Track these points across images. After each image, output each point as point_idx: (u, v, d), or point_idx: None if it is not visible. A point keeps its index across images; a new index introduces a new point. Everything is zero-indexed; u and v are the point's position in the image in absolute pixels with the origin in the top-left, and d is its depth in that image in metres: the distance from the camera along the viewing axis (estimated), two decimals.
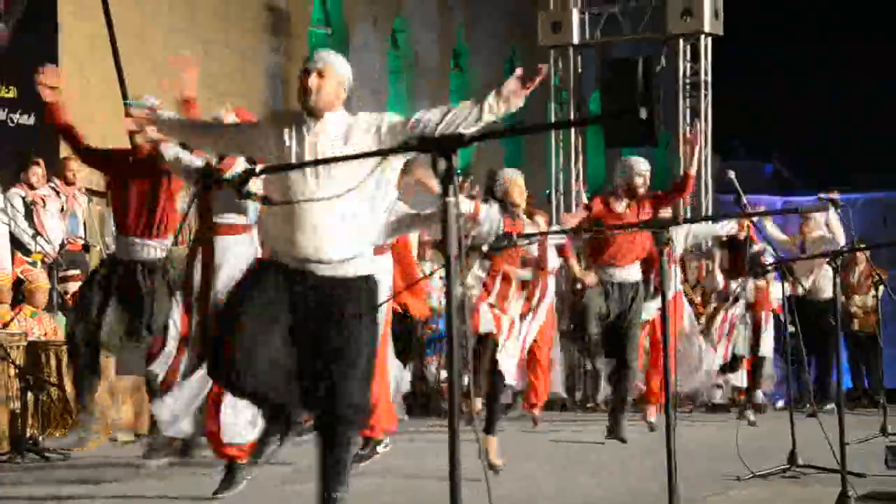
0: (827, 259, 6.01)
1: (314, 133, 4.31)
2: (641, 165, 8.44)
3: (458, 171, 2.86)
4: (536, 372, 9.68)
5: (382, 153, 3.32)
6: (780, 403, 12.45)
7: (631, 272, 8.48)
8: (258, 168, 3.62)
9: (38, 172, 10.48)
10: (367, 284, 4.31)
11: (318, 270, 4.27)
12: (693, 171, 8.44)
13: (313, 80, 4.32)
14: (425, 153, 2.89)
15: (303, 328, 4.24)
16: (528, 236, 6.22)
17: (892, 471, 6.03)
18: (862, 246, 10.15)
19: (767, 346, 11.00)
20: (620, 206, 8.39)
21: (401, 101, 18.44)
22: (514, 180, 6.93)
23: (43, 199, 10.47)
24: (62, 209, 10.61)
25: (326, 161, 3.91)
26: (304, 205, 4.17)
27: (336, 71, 4.36)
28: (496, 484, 6.23)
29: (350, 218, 4.26)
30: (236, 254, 5.92)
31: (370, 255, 4.36)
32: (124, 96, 6.32)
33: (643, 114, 2.81)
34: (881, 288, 11.42)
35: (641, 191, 8.38)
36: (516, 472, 6.67)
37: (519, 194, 6.86)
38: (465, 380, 6.36)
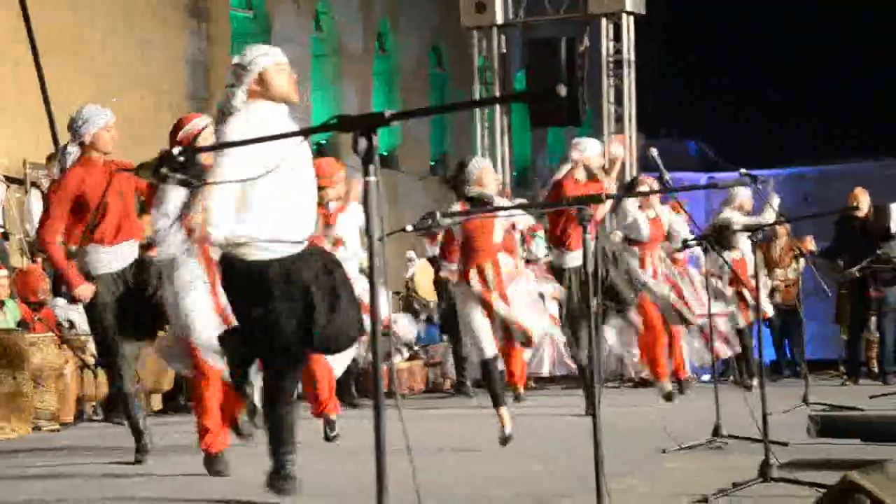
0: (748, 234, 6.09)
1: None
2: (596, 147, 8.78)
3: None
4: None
5: (304, 133, 3.32)
6: (706, 377, 12.63)
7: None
8: (175, 150, 3.58)
9: None
10: None
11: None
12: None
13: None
14: (346, 132, 2.87)
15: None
16: (452, 214, 6.20)
17: (814, 439, 6.14)
18: (783, 219, 10.29)
19: None
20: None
21: (325, 85, 18.34)
22: (485, 168, 7.03)
23: None
24: None
25: (260, 140, 3.93)
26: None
27: None
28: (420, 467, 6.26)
29: None
30: None
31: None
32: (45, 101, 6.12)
33: (562, 91, 2.81)
34: (802, 261, 11.59)
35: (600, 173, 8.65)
36: (440, 455, 6.68)
37: (493, 181, 7.02)
38: (397, 359, 6.39)
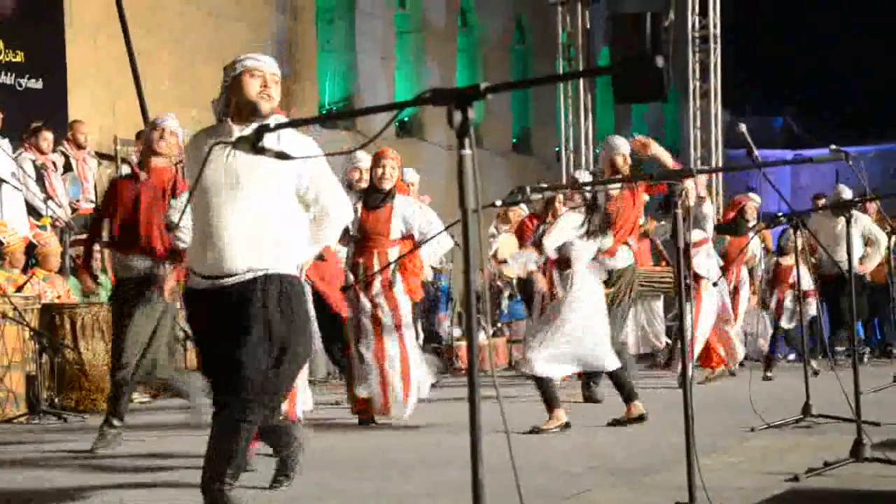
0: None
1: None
2: (620, 144, 8.50)
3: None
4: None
5: (395, 107, 3.29)
6: (793, 357, 12.46)
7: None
8: (272, 123, 3.59)
9: (48, 137, 10.46)
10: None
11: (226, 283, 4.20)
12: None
13: (275, 91, 4.29)
14: (441, 106, 2.86)
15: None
16: (541, 190, 6.18)
17: None
18: (872, 196, 10.09)
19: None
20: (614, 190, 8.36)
21: (408, 62, 18.35)
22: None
23: (53, 164, 10.46)
24: (66, 171, 10.59)
25: (358, 113, 3.90)
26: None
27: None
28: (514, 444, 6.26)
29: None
30: None
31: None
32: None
33: (660, 62, 2.76)
34: (893, 239, 11.36)
35: (625, 169, 8.41)
36: (525, 430, 6.68)
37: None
38: (483, 335, 6.39)
